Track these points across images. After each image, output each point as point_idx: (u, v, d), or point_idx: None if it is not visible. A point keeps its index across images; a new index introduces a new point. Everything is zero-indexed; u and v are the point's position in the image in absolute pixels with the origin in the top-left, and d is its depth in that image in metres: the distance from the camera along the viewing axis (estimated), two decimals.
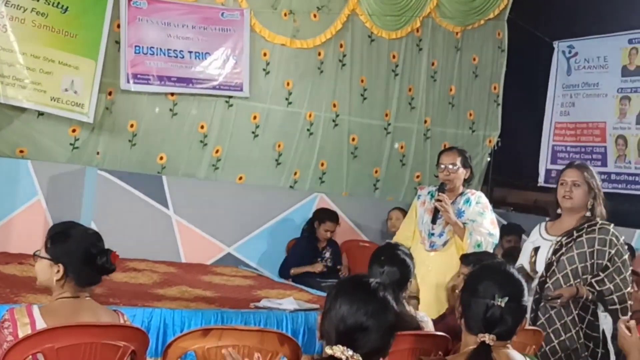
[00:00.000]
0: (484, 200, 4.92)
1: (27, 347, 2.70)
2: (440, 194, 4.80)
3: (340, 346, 2.09)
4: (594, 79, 7.56)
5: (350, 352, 2.08)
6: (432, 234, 4.87)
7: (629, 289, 4.00)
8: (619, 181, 7.26)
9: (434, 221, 4.83)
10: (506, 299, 2.42)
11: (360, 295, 2.20)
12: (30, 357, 2.72)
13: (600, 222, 4.08)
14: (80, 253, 2.89)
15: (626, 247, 4.12)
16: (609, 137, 7.35)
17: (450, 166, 4.83)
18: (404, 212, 7.04)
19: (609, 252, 3.98)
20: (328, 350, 2.11)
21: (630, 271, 4.03)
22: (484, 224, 4.77)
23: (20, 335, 2.73)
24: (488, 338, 2.38)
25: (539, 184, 7.95)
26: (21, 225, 5.98)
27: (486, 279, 2.51)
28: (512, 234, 7.42)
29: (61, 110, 6.14)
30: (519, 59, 8.38)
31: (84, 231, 2.99)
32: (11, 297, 4.23)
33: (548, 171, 7.87)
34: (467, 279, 2.62)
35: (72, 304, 2.90)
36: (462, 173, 4.89)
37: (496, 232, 4.84)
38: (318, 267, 6.56)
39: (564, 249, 4.06)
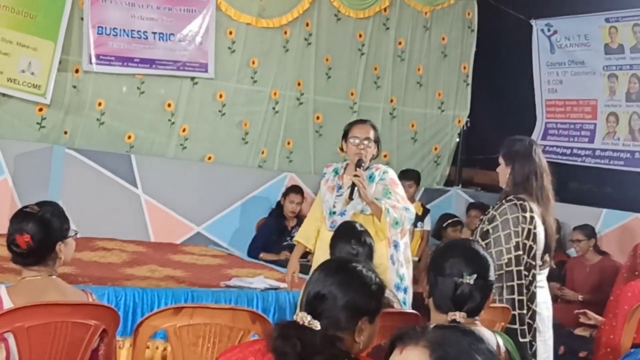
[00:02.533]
0: (390, 175, 4.59)
1: None
2: (358, 169, 4.37)
3: (303, 312, 2.12)
4: (578, 57, 7.59)
5: (309, 318, 2.09)
6: (334, 212, 4.52)
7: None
8: (603, 157, 7.33)
9: (351, 196, 4.41)
10: (474, 276, 2.44)
11: (333, 266, 2.23)
12: None
13: (508, 198, 4.00)
14: None
15: (510, 221, 3.92)
16: (600, 115, 7.41)
17: (366, 141, 4.46)
18: None
19: (485, 229, 3.96)
20: (295, 317, 2.14)
21: (505, 247, 3.89)
22: (393, 199, 4.45)
23: None
24: (459, 316, 2.39)
25: None
26: None
27: (452, 256, 2.51)
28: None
29: (17, 91, 6.10)
30: (491, 38, 8.37)
31: None
32: None
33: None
34: (432, 257, 2.61)
35: (39, 283, 2.88)
36: (374, 149, 4.53)
37: (411, 207, 4.54)
38: (282, 256, 6.54)
39: (478, 226, 4.11)
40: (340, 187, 4.53)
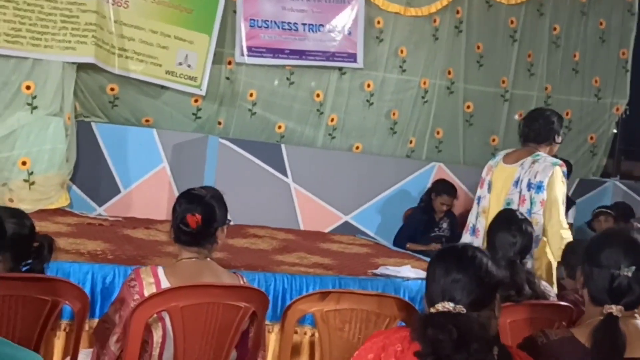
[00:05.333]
0: None
1: (153, 305, 2.78)
2: None
3: (441, 302, 2.11)
4: None
5: (452, 305, 2.09)
6: None
7: None
8: None
9: None
10: (633, 268, 2.29)
11: (450, 256, 2.24)
12: (156, 314, 2.81)
13: None
14: None
15: None
16: None
17: None
18: None
19: None
20: (432, 310, 2.14)
21: None
22: None
23: (146, 294, 2.81)
24: (615, 309, 2.26)
25: None
26: (147, 191, 6.23)
27: (609, 247, 2.37)
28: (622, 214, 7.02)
29: (175, 83, 6.36)
30: None
31: None
32: (139, 259, 4.38)
33: None
34: (587, 247, 2.47)
35: (195, 265, 2.96)
36: None
37: None
38: (431, 247, 6.43)
39: None
40: None
